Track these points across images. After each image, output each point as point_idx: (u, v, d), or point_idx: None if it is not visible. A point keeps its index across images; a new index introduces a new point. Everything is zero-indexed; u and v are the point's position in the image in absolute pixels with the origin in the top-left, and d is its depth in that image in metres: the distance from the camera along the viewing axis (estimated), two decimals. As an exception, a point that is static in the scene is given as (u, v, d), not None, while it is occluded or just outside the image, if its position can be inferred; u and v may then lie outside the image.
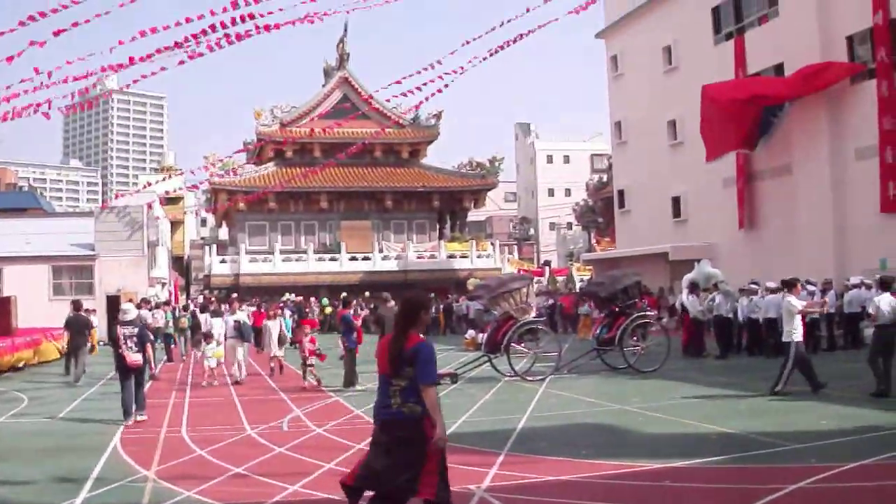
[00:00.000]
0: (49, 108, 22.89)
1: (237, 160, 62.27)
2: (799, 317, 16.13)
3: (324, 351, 21.49)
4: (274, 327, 24.19)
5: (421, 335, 6.41)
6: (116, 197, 46.20)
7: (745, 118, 32.50)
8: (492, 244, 66.60)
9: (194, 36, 22.34)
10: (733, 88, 33.66)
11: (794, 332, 16.00)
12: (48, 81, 21.42)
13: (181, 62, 23.42)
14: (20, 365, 27.74)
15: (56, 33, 19.95)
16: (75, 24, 20.16)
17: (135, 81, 27.87)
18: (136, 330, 15.31)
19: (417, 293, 6.83)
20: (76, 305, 25.04)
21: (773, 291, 23.38)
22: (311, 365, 20.47)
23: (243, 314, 23.93)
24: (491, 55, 30.60)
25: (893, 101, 27.73)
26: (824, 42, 30.45)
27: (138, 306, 25.36)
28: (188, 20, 21.34)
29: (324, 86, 66.34)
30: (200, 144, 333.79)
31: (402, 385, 6.22)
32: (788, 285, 16.88)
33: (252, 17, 22.42)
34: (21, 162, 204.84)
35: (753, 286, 25.15)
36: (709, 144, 34.14)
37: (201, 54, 23.36)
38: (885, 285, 16.14)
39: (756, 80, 33.54)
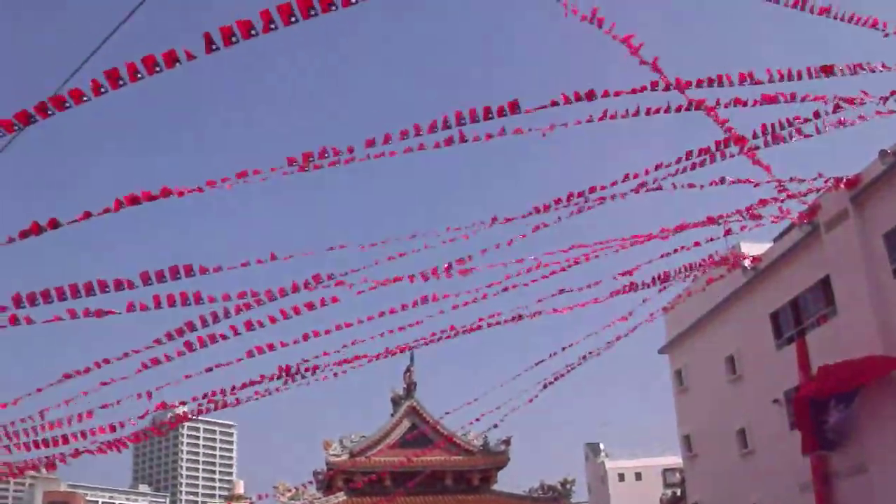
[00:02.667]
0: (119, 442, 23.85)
1: (308, 491, 62.47)
2: None
3: None
4: None
5: None
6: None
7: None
8: (569, 567, 64.58)
9: (273, 376, 23.65)
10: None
11: None
12: (120, 420, 22.42)
13: (252, 397, 24.59)
14: None
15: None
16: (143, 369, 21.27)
17: (200, 412, 28.27)
18: None
19: None
20: None
21: None
22: None
23: None
24: (556, 380, 31.68)
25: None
26: (885, 334, 30.69)
27: None
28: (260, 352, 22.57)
29: (392, 415, 67.42)
30: (270, 470, 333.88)
31: None
32: None
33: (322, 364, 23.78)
34: (91, 486, 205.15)
35: None
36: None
37: (272, 392, 24.63)
38: None
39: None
